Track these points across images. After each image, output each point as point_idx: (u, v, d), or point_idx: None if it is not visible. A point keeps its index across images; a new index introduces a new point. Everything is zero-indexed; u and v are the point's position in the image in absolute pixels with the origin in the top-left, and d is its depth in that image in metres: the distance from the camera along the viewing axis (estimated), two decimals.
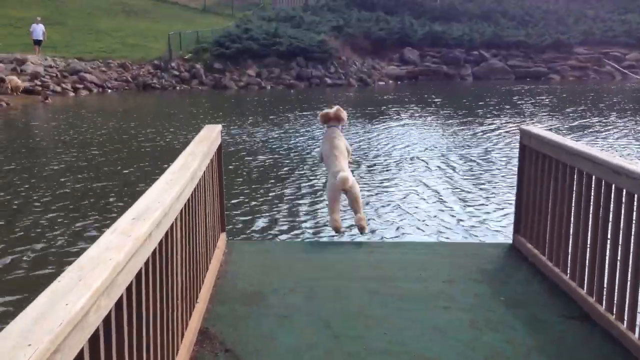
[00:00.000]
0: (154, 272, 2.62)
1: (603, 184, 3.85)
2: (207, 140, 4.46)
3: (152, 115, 21.13)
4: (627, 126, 18.79)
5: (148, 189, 2.98)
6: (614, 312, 3.72)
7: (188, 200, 3.40)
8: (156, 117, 20.38)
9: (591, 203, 4.01)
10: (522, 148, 5.23)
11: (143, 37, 33.94)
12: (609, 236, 3.81)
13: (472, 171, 12.35)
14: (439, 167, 12.67)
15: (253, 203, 9.85)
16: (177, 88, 29.69)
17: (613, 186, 3.73)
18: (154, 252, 2.58)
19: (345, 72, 33.23)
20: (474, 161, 13.32)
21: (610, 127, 18.48)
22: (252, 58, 32.22)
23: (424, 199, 10.12)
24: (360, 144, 15.22)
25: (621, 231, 3.65)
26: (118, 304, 2.10)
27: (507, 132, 17.25)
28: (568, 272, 4.34)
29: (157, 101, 26.19)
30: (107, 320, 1.98)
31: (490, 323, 3.88)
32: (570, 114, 21.60)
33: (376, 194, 10.47)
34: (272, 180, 11.49)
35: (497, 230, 8.50)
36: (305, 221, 8.95)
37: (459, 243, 7.58)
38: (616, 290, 3.70)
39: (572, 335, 3.75)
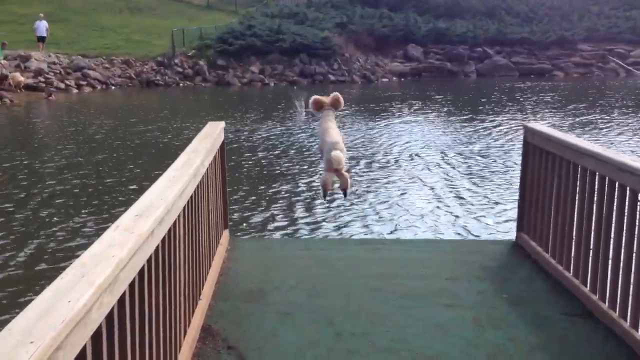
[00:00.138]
0: (157, 269, 2.62)
1: (607, 181, 3.84)
2: (210, 137, 4.44)
3: (155, 112, 21.13)
4: (629, 123, 18.72)
5: (151, 186, 2.97)
6: (617, 310, 3.71)
7: (191, 197, 3.39)
8: (159, 113, 20.38)
9: (595, 200, 4.00)
10: (525, 145, 5.21)
11: (147, 34, 33.95)
12: (612, 234, 3.79)
13: (474, 168, 12.33)
14: (438, 164, 12.65)
15: (255, 199, 9.85)
16: (181, 85, 29.68)
17: (617, 183, 3.72)
18: (156, 249, 2.58)
19: (349, 69, 33.19)
20: (474, 158, 13.29)
21: (612, 124, 18.42)
22: (256, 55, 32.19)
23: (424, 197, 10.10)
24: (363, 140, 15.21)
25: (625, 228, 3.64)
26: (121, 301, 2.10)
27: (509, 128, 17.20)
28: (571, 269, 4.33)
29: (160, 98, 26.19)
30: (109, 317, 1.98)
31: (492, 320, 3.87)
32: (573, 111, 21.54)
33: (375, 190, 10.47)
34: (274, 177, 11.49)
35: (499, 228, 8.48)
36: (307, 217, 8.95)
37: (462, 240, 7.56)
38: (619, 288, 3.69)
39: (575, 333, 3.74)
